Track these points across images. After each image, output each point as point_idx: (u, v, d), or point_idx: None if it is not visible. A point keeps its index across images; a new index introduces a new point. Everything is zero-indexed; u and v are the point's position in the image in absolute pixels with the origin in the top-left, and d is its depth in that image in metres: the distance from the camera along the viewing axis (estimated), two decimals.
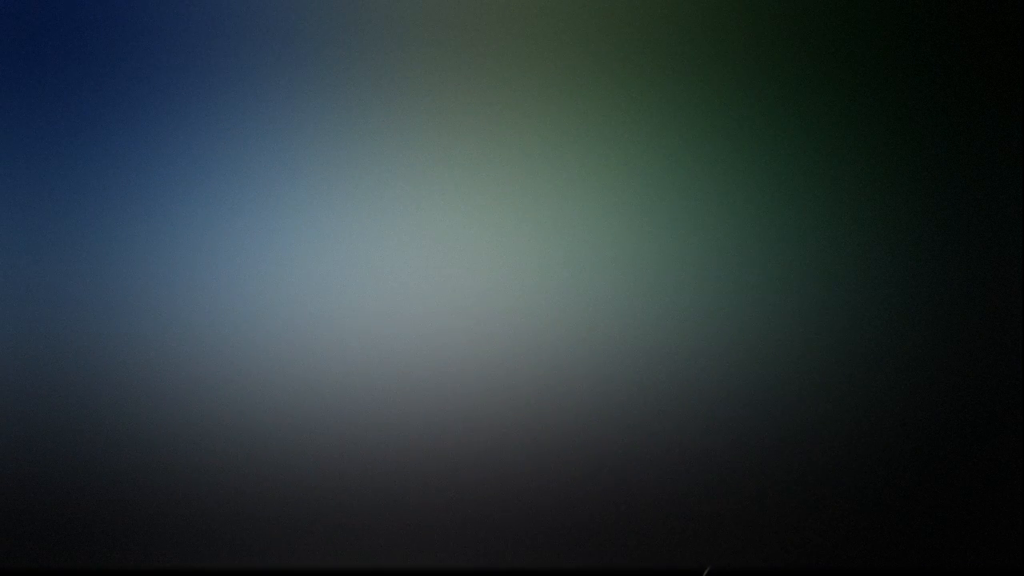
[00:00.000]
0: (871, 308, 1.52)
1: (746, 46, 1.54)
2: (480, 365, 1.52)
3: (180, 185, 1.53)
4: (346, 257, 1.52)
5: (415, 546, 1.52)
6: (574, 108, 1.53)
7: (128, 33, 1.53)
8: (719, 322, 1.52)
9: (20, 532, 1.51)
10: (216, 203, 1.53)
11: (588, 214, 1.53)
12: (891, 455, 1.52)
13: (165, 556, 1.51)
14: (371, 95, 1.53)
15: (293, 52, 1.53)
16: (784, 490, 1.51)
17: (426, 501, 1.51)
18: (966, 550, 1.51)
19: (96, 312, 1.51)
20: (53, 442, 1.50)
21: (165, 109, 1.53)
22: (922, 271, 1.53)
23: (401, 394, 1.52)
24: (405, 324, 1.52)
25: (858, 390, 1.52)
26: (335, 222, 1.53)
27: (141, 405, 1.51)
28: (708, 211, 1.53)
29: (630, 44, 1.54)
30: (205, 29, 1.53)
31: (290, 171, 1.53)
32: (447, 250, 1.53)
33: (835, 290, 1.52)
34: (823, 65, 1.54)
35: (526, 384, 1.52)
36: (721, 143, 1.53)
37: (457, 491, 1.51)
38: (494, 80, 1.53)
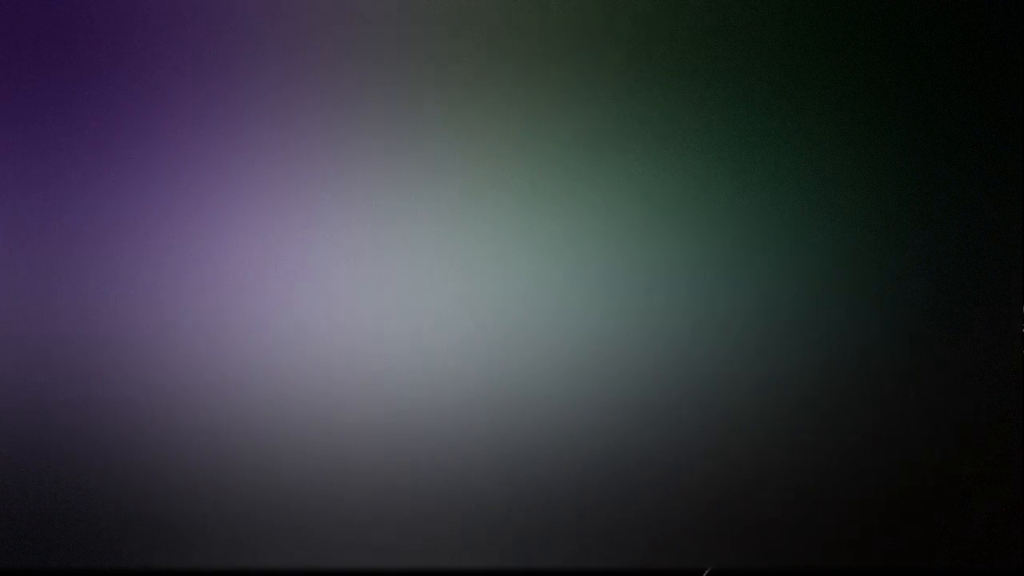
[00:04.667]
0: (871, 310, 1.52)
1: (745, 49, 1.54)
2: (482, 367, 1.52)
3: (184, 189, 1.53)
4: (349, 263, 1.53)
5: (415, 547, 1.52)
6: (581, 118, 1.53)
7: (131, 34, 1.53)
8: (721, 326, 1.52)
9: (20, 533, 1.51)
10: (219, 208, 1.53)
11: (594, 222, 1.53)
12: (891, 456, 1.52)
13: (166, 557, 1.51)
14: (378, 101, 1.53)
15: (300, 54, 1.53)
16: (784, 490, 1.51)
17: (428, 502, 1.52)
18: (966, 550, 1.51)
19: (98, 316, 1.51)
20: (53, 444, 1.50)
21: (169, 113, 1.53)
22: (922, 272, 1.53)
23: (403, 398, 1.52)
24: (409, 330, 1.52)
25: (858, 391, 1.52)
26: (338, 228, 1.53)
27: (144, 408, 1.51)
28: (712, 219, 1.53)
29: (633, 54, 1.54)
30: (211, 32, 1.53)
31: (295, 177, 1.53)
32: (452, 258, 1.53)
33: (836, 292, 1.52)
34: (822, 70, 1.54)
35: (527, 387, 1.52)
36: (723, 149, 1.53)
37: (459, 492, 1.52)
38: (502, 88, 1.53)
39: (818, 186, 1.53)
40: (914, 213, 1.53)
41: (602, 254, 1.53)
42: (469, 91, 1.53)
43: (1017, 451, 1.51)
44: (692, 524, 1.51)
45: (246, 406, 1.51)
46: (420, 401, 1.52)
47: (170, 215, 1.52)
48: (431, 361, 1.52)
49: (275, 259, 1.52)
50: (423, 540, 1.52)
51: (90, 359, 1.51)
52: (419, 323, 1.52)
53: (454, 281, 1.53)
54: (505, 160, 1.53)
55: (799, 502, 1.51)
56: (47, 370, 1.51)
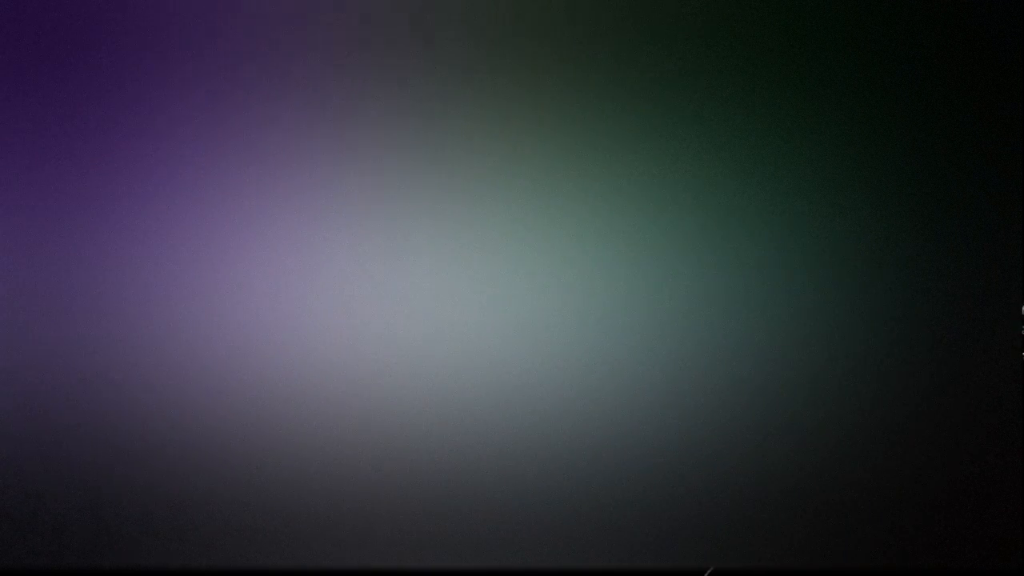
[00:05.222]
0: (870, 310, 1.52)
1: (745, 48, 1.54)
2: (485, 368, 1.52)
3: (188, 190, 1.53)
4: (353, 264, 1.53)
5: (416, 547, 1.52)
6: (589, 118, 1.53)
7: (133, 33, 1.53)
8: (722, 325, 1.52)
9: (20, 533, 1.51)
10: (223, 208, 1.53)
11: (599, 222, 1.53)
12: (890, 455, 1.52)
13: (166, 557, 1.51)
14: (384, 101, 1.53)
15: (305, 55, 1.53)
16: (784, 490, 1.51)
17: (429, 503, 1.52)
18: (966, 550, 1.51)
19: (100, 316, 1.51)
20: (54, 444, 1.50)
21: (174, 113, 1.53)
22: (922, 272, 1.53)
23: (406, 399, 1.52)
24: (413, 331, 1.52)
25: (857, 391, 1.52)
26: (342, 230, 1.53)
27: (145, 409, 1.51)
28: (713, 219, 1.53)
29: (635, 55, 1.54)
30: (215, 31, 1.53)
31: (300, 178, 1.53)
32: (456, 258, 1.53)
33: (834, 292, 1.52)
34: (822, 70, 1.54)
35: (529, 387, 1.52)
36: (723, 149, 1.53)
37: (460, 492, 1.52)
38: (507, 90, 1.53)
39: (818, 186, 1.53)
40: (914, 213, 1.53)
41: (606, 255, 1.53)
42: (474, 92, 1.53)
43: (1017, 451, 1.51)
44: (692, 524, 1.51)
45: (249, 407, 1.51)
46: (422, 402, 1.52)
47: (174, 215, 1.52)
48: (434, 362, 1.52)
49: (279, 260, 1.52)
50: (423, 540, 1.52)
51: (92, 359, 1.51)
52: (423, 324, 1.52)
53: (458, 282, 1.53)
54: (510, 160, 1.53)
55: (799, 502, 1.51)
56: (48, 370, 1.51)
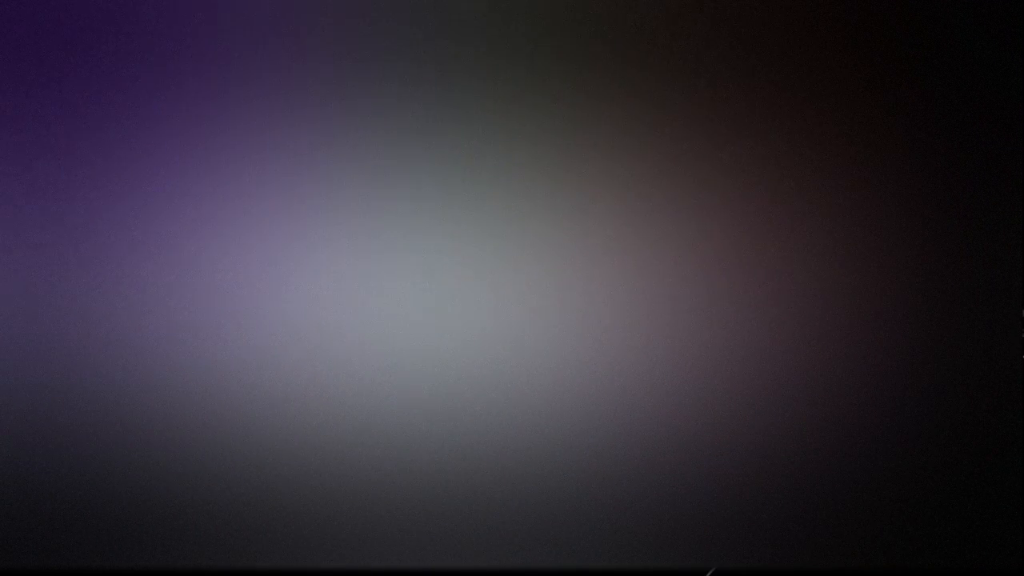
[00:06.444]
0: (871, 310, 1.52)
1: (744, 48, 1.54)
2: (482, 369, 1.52)
3: (183, 190, 1.53)
4: (346, 266, 1.53)
5: (415, 547, 1.52)
6: (581, 119, 1.53)
7: (130, 35, 1.53)
8: (723, 326, 1.52)
9: (20, 533, 1.51)
10: (219, 209, 1.53)
11: (592, 222, 1.53)
12: (891, 456, 1.52)
13: (166, 557, 1.51)
14: (378, 101, 1.53)
15: (298, 56, 1.53)
16: (784, 490, 1.51)
17: (427, 503, 1.52)
18: (966, 550, 1.51)
19: (98, 315, 1.51)
20: (53, 444, 1.50)
21: (170, 114, 1.53)
22: (922, 272, 1.53)
23: (401, 398, 1.52)
24: (405, 329, 1.52)
25: (858, 391, 1.52)
26: (336, 230, 1.53)
27: (143, 408, 1.51)
28: (714, 218, 1.53)
29: (629, 55, 1.54)
30: (211, 33, 1.53)
31: (294, 178, 1.53)
32: (450, 258, 1.53)
33: (835, 291, 1.52)
34: (822, 69, 1.54)
35: (526, 387, 1.52)
36: (724, 149, 1.53)
37: (458, 492, 1.52)
38: (499, 90, 1.53)
39: (818, 185, 1.53)
40: (914, 213, 1.53)
41: (602, 255, 1.53)
42: (465, 92, 1.53)
43: (1017, 451, 1.51)
44: (692, 524, 1.51)
45: (249, 407, 1.51)
46: (423, 402, 1.52)
47: (170, 215, 1.52)
48: (435, 363, 1.52)
49: (279, 261, 1.52)
50: (423, 540, 1.52)
51: (90, 359, 1.51)
52: (424, 324, 1.52)
53: (459, 283, 1.53)
54: (501, 160, 1.53)
55: (799, 502, 1.51)
56: (47, 370, 1.51)
